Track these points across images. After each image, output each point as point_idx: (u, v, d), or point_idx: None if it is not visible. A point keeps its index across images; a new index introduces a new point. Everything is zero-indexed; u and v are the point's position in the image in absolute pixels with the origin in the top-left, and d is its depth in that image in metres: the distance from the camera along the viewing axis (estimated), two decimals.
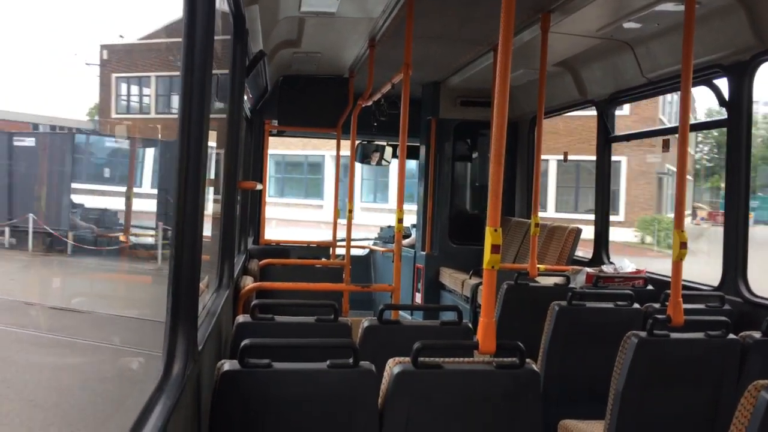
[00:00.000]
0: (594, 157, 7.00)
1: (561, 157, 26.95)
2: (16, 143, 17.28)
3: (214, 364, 2.86)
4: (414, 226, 10.04)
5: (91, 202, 17.53)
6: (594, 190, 7.11)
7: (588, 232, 7.24)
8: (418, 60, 5.44)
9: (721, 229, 5.01)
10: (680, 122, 4.07)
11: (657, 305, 4.41)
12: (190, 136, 2.37)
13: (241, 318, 3.72)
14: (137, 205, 16.23)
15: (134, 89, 26.81)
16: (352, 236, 7.75)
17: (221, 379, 2.61)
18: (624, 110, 24.67)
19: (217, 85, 3.18)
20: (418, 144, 9.31)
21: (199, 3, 2.36)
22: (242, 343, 2.66)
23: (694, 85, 4.27)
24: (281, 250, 8.30)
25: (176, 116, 2.38)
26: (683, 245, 4.00)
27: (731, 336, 3.54)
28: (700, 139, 30.84)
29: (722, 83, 5.08)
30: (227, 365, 2.65)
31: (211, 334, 3.05)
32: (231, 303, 4.66)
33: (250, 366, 2.63)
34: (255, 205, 8.86)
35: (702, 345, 3.53)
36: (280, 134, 9.97)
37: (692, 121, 4.21)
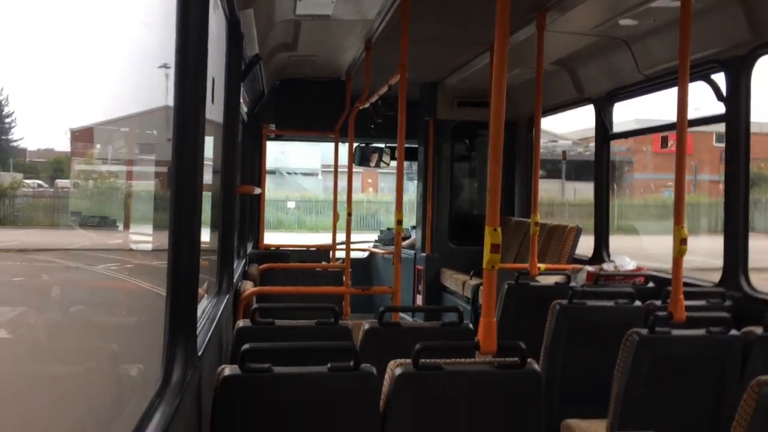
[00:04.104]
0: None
1: None
2: None
3: (214, 369, 2.84)
4: (414, 227, 10.02)
5: None
6: (594, 187, 7.10)
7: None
8: (414, 61, 5.42)
9: None
10: (678, 118, 4.04)
11: (658, 302, 4.39)
12: (186, 142, 2.36)
13: (241, 323, 3.70)
14: None
15: None
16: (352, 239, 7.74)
17: (221, 384, 2.60)
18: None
19: (212, 89, 3.17)
20: (416, 145, 9.29)
21: (192, 7, 2.35)
22: (242, 348, 2.64)
23: (692, 80, 4.25)
24: (281, 254, 8.28)
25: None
26: (683, 241, 3.98)
27: (733, 332, 3.52)
28: None
29: (720, 78, 5.07)
30: (227, 370, 2.63)
31: (211, 340, 3.04)
32: (231, 308, 4.65)
33: (250, 371, 2.61)
34: (254, 209, 8.85)
35: (704, 341, 3.52)
36: (278, 138, 9.95)
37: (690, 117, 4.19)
